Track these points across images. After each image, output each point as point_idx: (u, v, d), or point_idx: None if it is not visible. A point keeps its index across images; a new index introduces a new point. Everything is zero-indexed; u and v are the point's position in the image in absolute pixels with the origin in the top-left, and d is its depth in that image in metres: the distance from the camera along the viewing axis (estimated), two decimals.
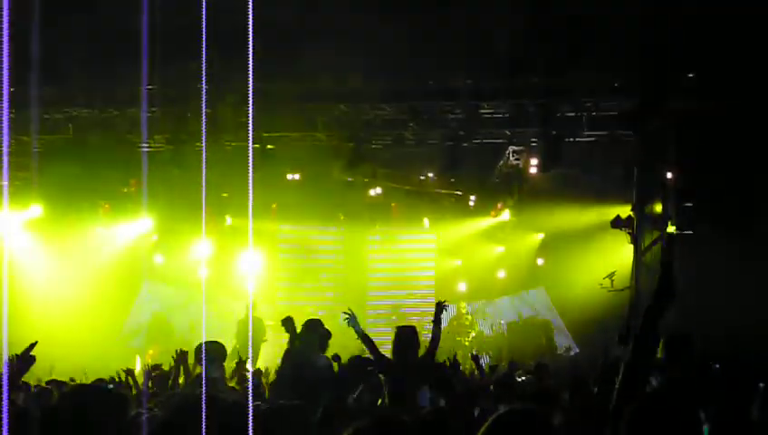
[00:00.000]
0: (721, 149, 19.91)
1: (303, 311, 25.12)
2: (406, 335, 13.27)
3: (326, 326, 14.08)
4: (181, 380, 13.20)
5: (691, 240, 20.53)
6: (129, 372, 13.60)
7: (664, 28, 19.12)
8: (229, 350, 14.37)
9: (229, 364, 14.25)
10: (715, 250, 19.76)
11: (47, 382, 14.90)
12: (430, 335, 13.69)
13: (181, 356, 13.19)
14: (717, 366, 10.43)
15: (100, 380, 13.82)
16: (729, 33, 19.08)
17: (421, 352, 13.31)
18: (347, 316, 13.58)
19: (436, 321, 13.72)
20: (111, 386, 12.43)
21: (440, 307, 13.85)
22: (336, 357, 13.82)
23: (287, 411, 6.98)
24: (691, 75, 20.63)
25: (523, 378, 15.15)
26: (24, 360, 11.16)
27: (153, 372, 13.70)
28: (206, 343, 12.48)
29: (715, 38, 19.26)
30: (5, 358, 9.48)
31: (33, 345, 12.04)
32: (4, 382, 10.14)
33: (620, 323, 20.85)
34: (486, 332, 28.82)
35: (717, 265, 19.43)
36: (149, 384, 13.24)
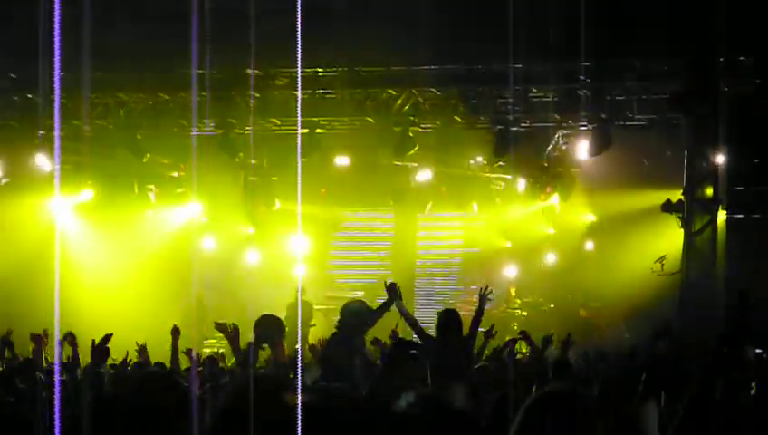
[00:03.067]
0: None
1: (353, 296, 25.13)
2: (448, 318, 13.37)
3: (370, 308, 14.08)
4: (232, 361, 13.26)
5: (742, 225, 20.43)
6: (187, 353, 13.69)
7: (715, 10, 18.96)
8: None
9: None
10: (765, 235, 19.66)
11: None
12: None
13: (234, 332, 13.11)
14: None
15: (160, 364, 13.91)
16: None
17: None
18: (393, 292, 13.63)
19: (476, 317, 13.80)
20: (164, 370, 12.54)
21: (483, 299, 13.92)
22: (377, 342, 13.86)
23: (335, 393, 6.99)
24: (742, 58, 20.49)
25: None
26: (100, 352, 11.33)
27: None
28: (264, 316, 12.48)
29: (766, 19, 19.10)
30: (57, 339, 9.58)
31: (108, 337, 12.20)
32: (57, 366, 10.25)
33: (666, 314, 20.83)
34: (534, 315, 28.75)
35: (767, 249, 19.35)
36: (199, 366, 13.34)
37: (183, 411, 5.72)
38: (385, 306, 13.72)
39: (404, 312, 13.64)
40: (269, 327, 12.26)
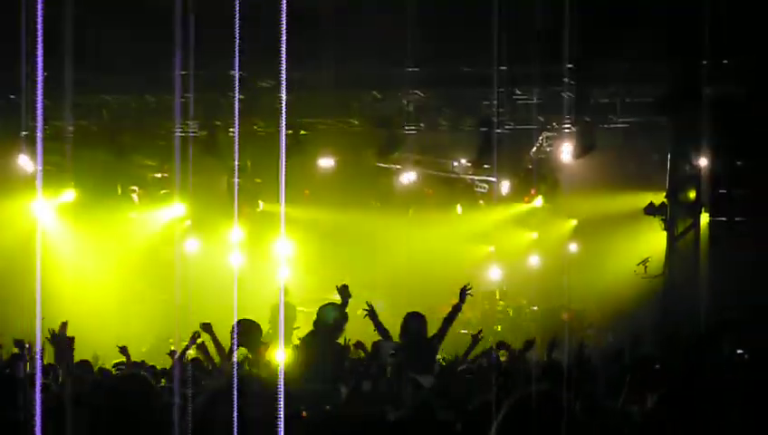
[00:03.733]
0: (756, 135, 19.83)
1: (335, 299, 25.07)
2: (414, 322, 13.57)
3: (356, 313, 14.20)
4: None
5: (725, 227, 20.48)
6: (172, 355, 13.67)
7: (699, 14, 18.99)
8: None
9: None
10: (748, 237, 19.70)
11: (77, 364, 14.92)
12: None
13: (205, 328, 13.10)
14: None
15: (136, 364, 13.88)
16: (764, 17, 18.96)
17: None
18: (366, 311, 13.84)
19: (449, 317, 13.92)
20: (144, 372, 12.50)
21: (462, 296, 14.01)
22: (359, 344, 13.95)
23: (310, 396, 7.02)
24: (726, 61, 20.52)
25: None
26: (63, 342, 11.25)
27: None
28: (241, 321, 12.49)
29: (750, 23, 19.14)
30: (39, 340, 9.53)
31: (64, 325, 12.11)
32: (38, 365, 10.21)
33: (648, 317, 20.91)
34: (518, 317, 28.79)
35: (750, 252, 19.38)
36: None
37: (157, 414, 5.71)
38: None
39: (378, 324, 13.83)
40: (246, 332, 12.30)
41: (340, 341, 13.87)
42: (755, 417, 6.99)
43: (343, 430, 6.84)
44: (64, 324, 12.44)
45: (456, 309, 14.09)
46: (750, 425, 6.96)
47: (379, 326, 13.90)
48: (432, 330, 14.32)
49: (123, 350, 14.00)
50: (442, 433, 7.63)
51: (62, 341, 12.15)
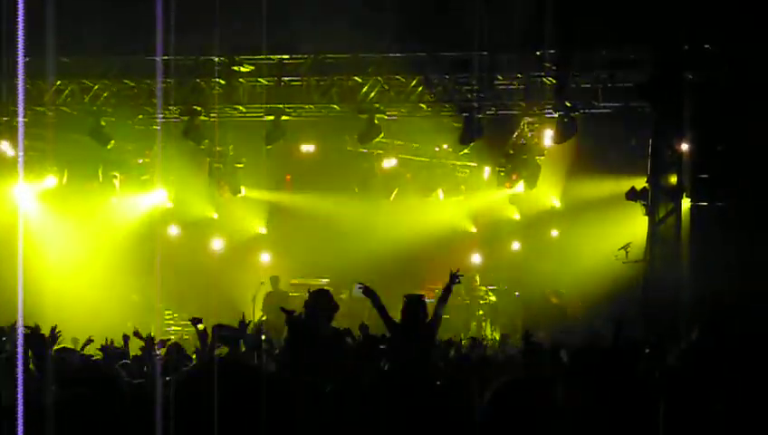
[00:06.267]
0: (736, 120, 19.88)
1: (318, 283, 25.13)
2: (412, 303, 13.59)
3: (338, 297, 14.22)
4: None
5: (706, 212, 20.55)
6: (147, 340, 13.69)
7: None
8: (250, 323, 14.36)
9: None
10: (730, 222, 19.78)
11: (58, 350, 14.90)
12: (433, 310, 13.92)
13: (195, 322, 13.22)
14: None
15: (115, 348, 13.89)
16: (745, 2, 19.00)
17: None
18: (361, 287, 13.80)
19: (442, 298, 13.95)
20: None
21: (453, 278, 14.02)
22: (347, 332, 13.93)
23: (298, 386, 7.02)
24: (707, 46, 20.57)
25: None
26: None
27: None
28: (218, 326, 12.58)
29: (731, 8, 19.18)
30: (21, 330, 9.52)
31: (54, 329, 12.17)
32: (20, 355, 10.20)
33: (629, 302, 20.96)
34: (500, 302, 28.84)
35: (731, 235, 19.46)
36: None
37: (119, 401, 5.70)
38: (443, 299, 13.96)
39: (375, 300, 13.77)
40: (230, 331, 12.38)
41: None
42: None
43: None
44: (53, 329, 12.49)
45: (448, 290, 14.11)
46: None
47: (376, 302, 13.84)
48: None
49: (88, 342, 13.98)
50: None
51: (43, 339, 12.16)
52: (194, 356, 13.22)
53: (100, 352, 13.61)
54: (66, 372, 8.03)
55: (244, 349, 12.79)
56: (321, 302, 13.74)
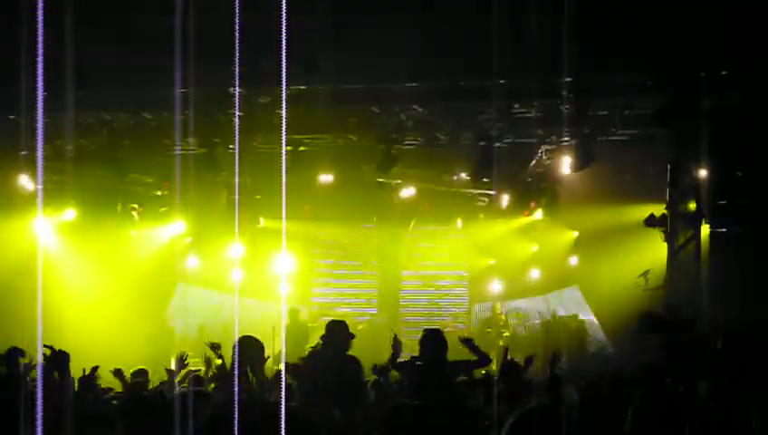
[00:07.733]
0: (755, 147, 19.84)
1: (337, 314, 25.17)
2: (433, 338, 13.49)
3: (356, 328, 14.18)
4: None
5: (726, 238, 20.48)
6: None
7: (698, 25, 19.01)
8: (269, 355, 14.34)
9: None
10: (749, 248, 19.71)
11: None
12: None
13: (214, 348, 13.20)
14: None
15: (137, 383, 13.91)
16: (763, 28, 18.97)
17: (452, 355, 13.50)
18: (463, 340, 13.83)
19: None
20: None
21: (467, 342, 14.00)
22: (374, 368, 13.87)
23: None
24: (725, 73, 20.54)
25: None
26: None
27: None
28: (242, 338, 12.47)
29: (750, 34, 19.15)
30: (40, 361, 9.54)
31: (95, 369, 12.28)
32: (39, 381, 10.23)
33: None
34: (520, 331, 28.80)
35: (751, 262, 19.39)
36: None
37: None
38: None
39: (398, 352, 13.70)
40: (249, 350, 12.29)
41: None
42: None
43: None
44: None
45: (473, 350, 13.99)
46: None
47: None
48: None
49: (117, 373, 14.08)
50: None
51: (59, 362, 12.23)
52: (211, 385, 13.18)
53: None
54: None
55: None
56: (337, 332, 13.70)
